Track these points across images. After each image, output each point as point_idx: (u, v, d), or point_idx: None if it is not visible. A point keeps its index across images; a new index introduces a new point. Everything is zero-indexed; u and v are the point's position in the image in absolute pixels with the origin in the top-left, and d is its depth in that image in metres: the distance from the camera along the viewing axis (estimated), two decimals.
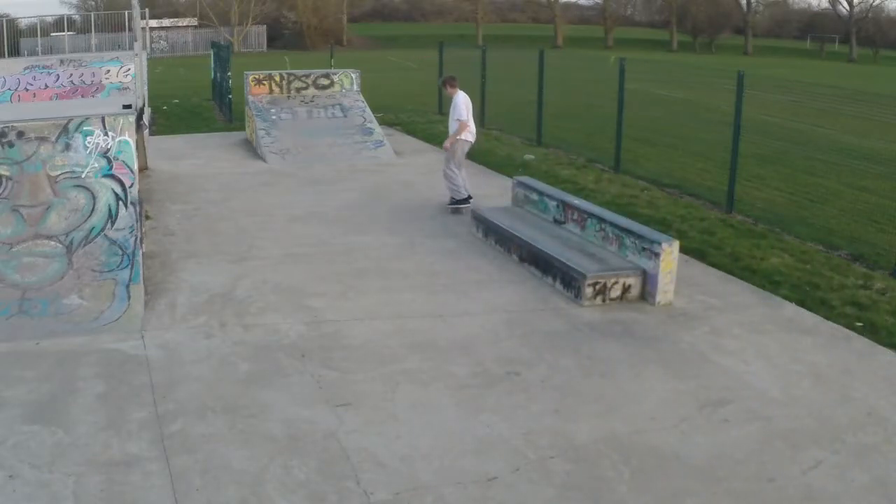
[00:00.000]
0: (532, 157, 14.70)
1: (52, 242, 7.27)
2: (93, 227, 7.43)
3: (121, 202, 7.57)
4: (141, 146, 11.41)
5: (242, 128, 16.96)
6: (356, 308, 7.36)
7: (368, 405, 5.61)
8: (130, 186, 7.65)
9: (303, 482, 4.73)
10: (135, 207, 7.65)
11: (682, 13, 67.86)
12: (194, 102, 23.07)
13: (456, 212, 10.64)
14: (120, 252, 7.37)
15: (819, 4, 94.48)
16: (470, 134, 10.78)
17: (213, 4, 57.58)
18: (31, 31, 47.91)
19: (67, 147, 7.55)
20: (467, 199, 10.63)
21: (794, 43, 73.28)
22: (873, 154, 11.62)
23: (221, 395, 5.72)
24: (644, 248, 7.65)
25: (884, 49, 65.62)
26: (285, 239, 9.43)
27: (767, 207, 11.12)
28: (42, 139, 7.49)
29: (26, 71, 13.16)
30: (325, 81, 16.30)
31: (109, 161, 7.65)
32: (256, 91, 15.78)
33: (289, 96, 15.92)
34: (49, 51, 42.59)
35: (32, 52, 41.95)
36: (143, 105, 11.44)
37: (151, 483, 4.69)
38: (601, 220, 8.31)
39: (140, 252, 7.55)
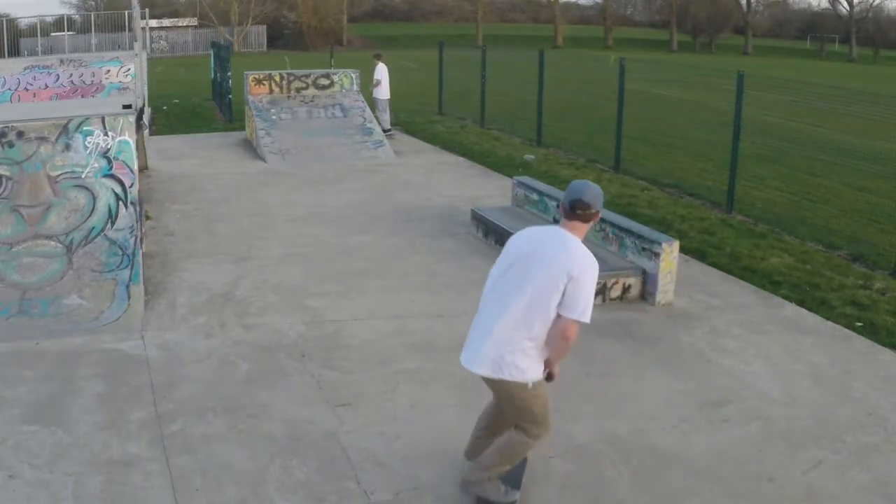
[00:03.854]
0: (532, 157, 14.70)
1: (52, 242, 7.27)
2: (93, 227, 7.43)
3: (121, 202, 7.57)
4: (141, 146, 11.41)
5: (242, 128, 16.97)
6: (356, 308, 7.36)
7: (368, 405, 5.61)
8: (130, 186, 7.65)
9: (303, 482, 4.72)
10: (135, 207, 7.65)
11: (682, 13, 67.87)
12: (194, 102, 23.07)
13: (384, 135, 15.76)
14: (120, 252, 7.36)
15: (819, 4, 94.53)
16: (381, 93, 16.87)
17: (213, 4, 57.58)
18: (31, 31, 47.92)
19: (67, 147, 7.55)
20: (388, 131, 16.40)
21: (794, 43, 73.32)
22: (873, 154, 11.61)
23: (221, 395, 5.72)
24: (644, 248, 7.65)
25: (884, 49, 65.66)
26: (285, 239, 9.43)
27: (767, 207, 11.12)
28: (42, 139, 7.50)
29: (26, 71, 13.14)
30: (325, 81, 16.30)
31: (109, 161, 7.65)
32: (256, 91, 15.79)
33: (289, 96, 15.92)
34: (49, 51, 42.59)
35: (32, 52, 41.96)
36: (143, 105, 11.43)
37: (151, 483, 4.69)
38: (601, 220, 8.30)
39: (140, 252, 7.55)
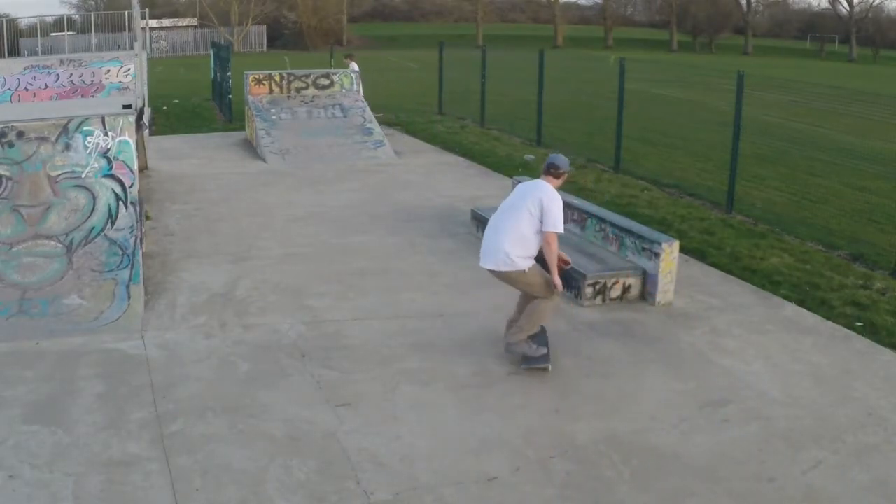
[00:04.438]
0: (532, 157, 14.70)
1: (52, 242, 7.27)
2: (93, 227, 7.43)
3: (121, 202, 7.58)
4: (141, 146, 11.41)
5: (242, 128, 16.97)
6: (356, 308, 7.36)
7: (368, 405, 5.61)
8: (130, 186, 7.65)
9: (303, 482, 4.73)
10: (135, 207, 7.65)
11: (682, 13, 67.88)
12: (194, 102, 23.07)
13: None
14: (120, 252, 7.37)
15: (819, 4, 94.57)
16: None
17: (213, 4, 57.60)
18: (31, 31, 47.95)
19: (67, 147, 7.55)
20: None
21: (794, 43, 73.35)
22: (873, 154, 11.61)
23: (221, 395, 5.72)
24: (644, 248, 7.65)
25: (884, 49, 65.67)
26: (285, 239, 9.43)
27: (767, 207, 11.12)
28: (42, 139, 7.50)
29: (26, 71, 13.13)
30: (325, 81, 16.30)
31: (109, 161, 7.65)
32: (256, 91, 15.79)
33: (289, 96, 15.92)
34: (49, 51, 42.59)
35: (32, 52, 41.96)
36: (143, 105, 11.44)
37: (151, 483, 4.69)
38: (601, 220, 8.31)
39: (140, 252, 7.55)
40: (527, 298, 6.34)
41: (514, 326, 6.27)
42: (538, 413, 5.54)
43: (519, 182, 6.87)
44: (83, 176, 7.55)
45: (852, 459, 5.03)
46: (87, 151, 7.59)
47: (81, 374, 5.96)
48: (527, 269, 6.07)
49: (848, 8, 69.67)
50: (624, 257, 7.89)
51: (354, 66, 18.64)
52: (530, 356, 6.17)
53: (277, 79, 16.00)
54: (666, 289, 7.49)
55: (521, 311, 6.34)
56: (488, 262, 6.19)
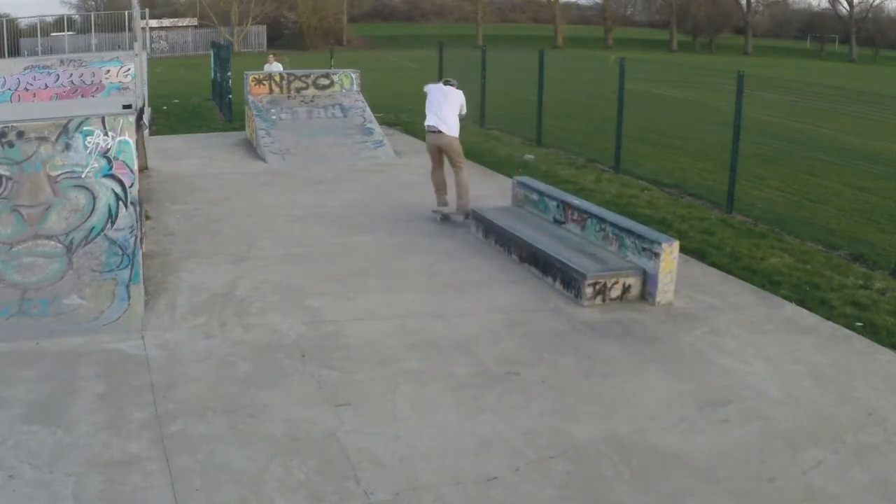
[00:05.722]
0: (532, 157, 14.70)
1: (52, 242, 7.27)
2: (93, 227, 7.42)
3: (121, 202, 7.57)
4: (141, 146, 11.41)
5: (242, 128, 16.96)
6: (356, 308, 7.36)
7: (368, 405, 5.61)
8: (130, 186, 7.65)
9: (303, 482, 4.73)
10: (135, 207, 7.65)
11: (682, 13, 67.92)
12: (194, 102, 23.07)
13: None
14: (120, 252, 7.36)
15: (819, 4, 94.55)
16: None
17: (213, 4, 57.65)
18: (31, 31, 48.00)
19: (67, 147, 7.54)
20: None
21: (794, 43, 73.37)
22: (873, 154, 11.61)
23: (221, 395, 5.72)
24: (644, 248, 7.65)
25: (884, 49, 65.71)
26: (285, 239, 9.43)
27: (767, 207, 11.12)
28: (42, 139, 7.49)
29: (26, 71, 13.14)
30: (325, 81, 16.30)
31: (109, 161, 7.64)
32: (256, 91, 15.79)
33: (289, 96, 15.92)
34: (49, 51, 42.63)
35: (32, 52, 42.00)
36: (143, 105, 11.43)
37: (151, 483, 4.69)
38: (601, 220, 8.31)
39: (140, 252, 7.55)
40: (440, 170, 10.31)
41: (457, 203, 10.10)
42: (538, 413, 5.54)
43: (437, 87, 10.37)
44: (83, 176, 7.54)
45: (852, 459, 5.03)
46: (87, 151, 7.58)
47: (81, 374, 5.96)
48: (456, 137, 9.99)
49: (848, 8, 69.73)
50: (624, 257, 7.89)
51: (277, 66, 19.45)
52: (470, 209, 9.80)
53: (277, 79, 16.00)
54: (666, 289, 7.49)
55: (440, 180, 10.33)
56: (440, 125, 9.88)
